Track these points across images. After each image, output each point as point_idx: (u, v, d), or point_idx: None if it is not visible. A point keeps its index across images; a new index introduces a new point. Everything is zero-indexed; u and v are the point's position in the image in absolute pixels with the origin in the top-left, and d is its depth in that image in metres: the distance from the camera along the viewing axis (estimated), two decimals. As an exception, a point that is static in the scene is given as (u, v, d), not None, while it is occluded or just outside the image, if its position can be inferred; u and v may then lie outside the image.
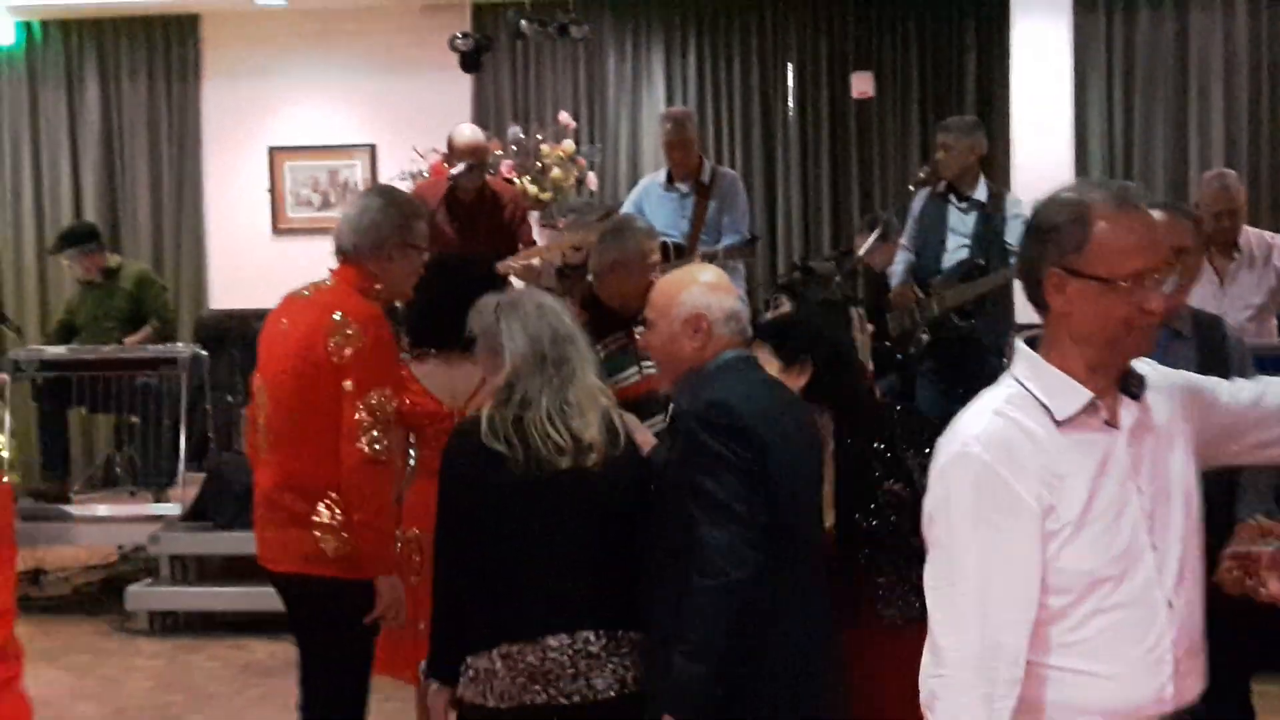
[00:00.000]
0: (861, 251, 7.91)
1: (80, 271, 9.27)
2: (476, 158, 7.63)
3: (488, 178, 8.00)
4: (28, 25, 11.58)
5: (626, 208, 8.15)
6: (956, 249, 7.50)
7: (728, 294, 3.77)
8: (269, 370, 4.50)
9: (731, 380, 3.67)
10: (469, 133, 7.75)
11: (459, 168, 7.55)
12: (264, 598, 7.80)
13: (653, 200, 7.93)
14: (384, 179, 11.15)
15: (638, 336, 4.02)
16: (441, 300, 4.73)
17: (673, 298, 3.76)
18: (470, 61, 9.27)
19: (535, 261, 7.69)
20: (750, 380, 3.74)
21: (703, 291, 3.74)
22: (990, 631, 2.42)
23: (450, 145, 7.75)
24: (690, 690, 3.40)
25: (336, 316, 4.30)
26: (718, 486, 3.48)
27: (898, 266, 7.69)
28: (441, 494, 3.77)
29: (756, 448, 3.52)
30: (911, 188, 7.84)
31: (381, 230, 4.46)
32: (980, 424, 2.49)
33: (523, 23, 8.91)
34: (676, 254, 7.52)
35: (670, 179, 7.90)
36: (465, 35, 9.41)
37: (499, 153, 9.88)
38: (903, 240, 7.76)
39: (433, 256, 4.78)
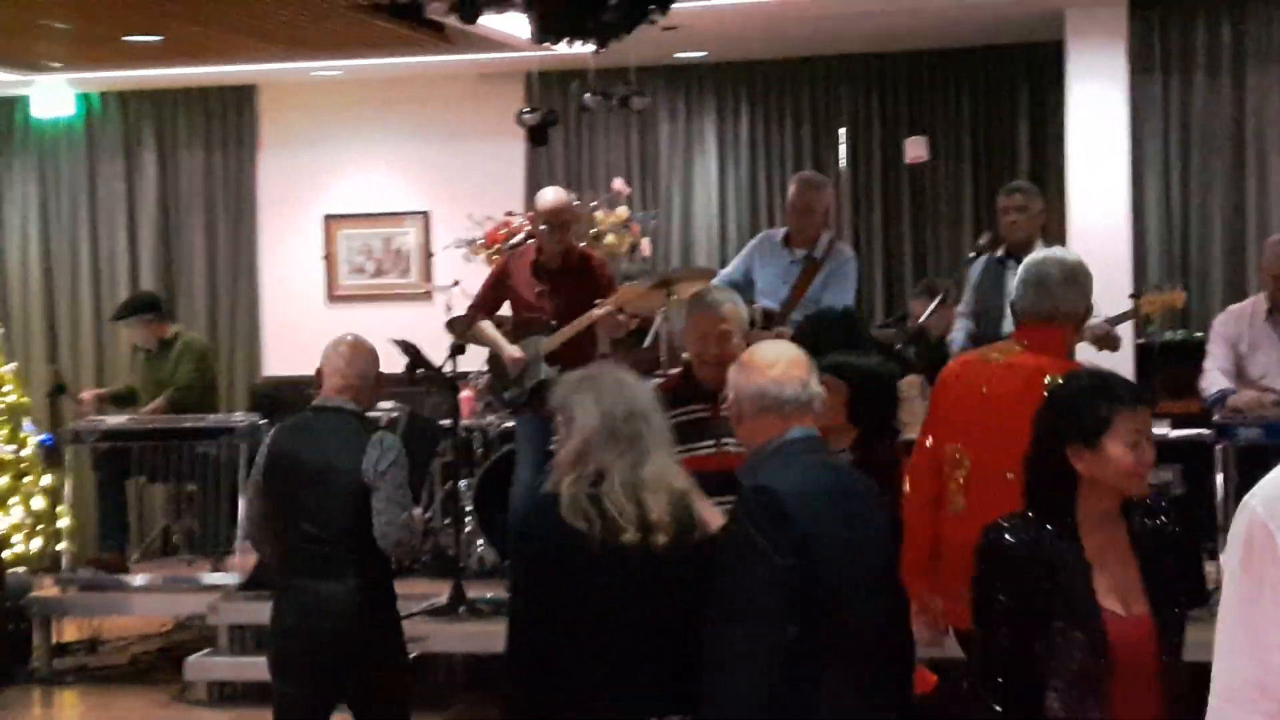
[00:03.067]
0: (921, 318, 7.88)
1: (140, 340, 9.41)
2: (556, 220, 7.68)
3: (581, 246, 8.07)
4: (86, 97, 11.72)
5: (739, 259, 8.02)
6: None
7: (793, 373, 3.68)
8: (970, 431, 4.58)
9: (785, 463, 3.56)
10: (550, 196, 7.83)
11: (541, 230, 7.65)
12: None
13: (765, 255, 7.76)
14: (437, 246, 11.26)
15: (723, 411, 3.97)
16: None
17: (745, 377, 3.71)
18: (538, 134, 9.29)
19: (623, 316, 7.68)
20: (806, 464, 3.59)
21: (769, 371, 3.67)
22: (1247, 666, 2.55)
23: (535, 209, 7.87)
24: None
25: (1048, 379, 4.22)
26: (749, 579, 3.38)
27: (957, 334, 7.64)
28: (519, 568, 3.76)
29: (796, 540, 3.39)
30: (971, 254, 7.81)
31: (1087, 298, 4.67)
32: (1272, 478, 2.61)
33: (586, 96, 8.93)
34: (765, 321, 7.50)
35: (788, 240, 7.72)
36: (533, 110, 9.40)
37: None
38: (960, 308, 7.72)
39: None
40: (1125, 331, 8.16)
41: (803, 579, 3.39)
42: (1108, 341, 7.23)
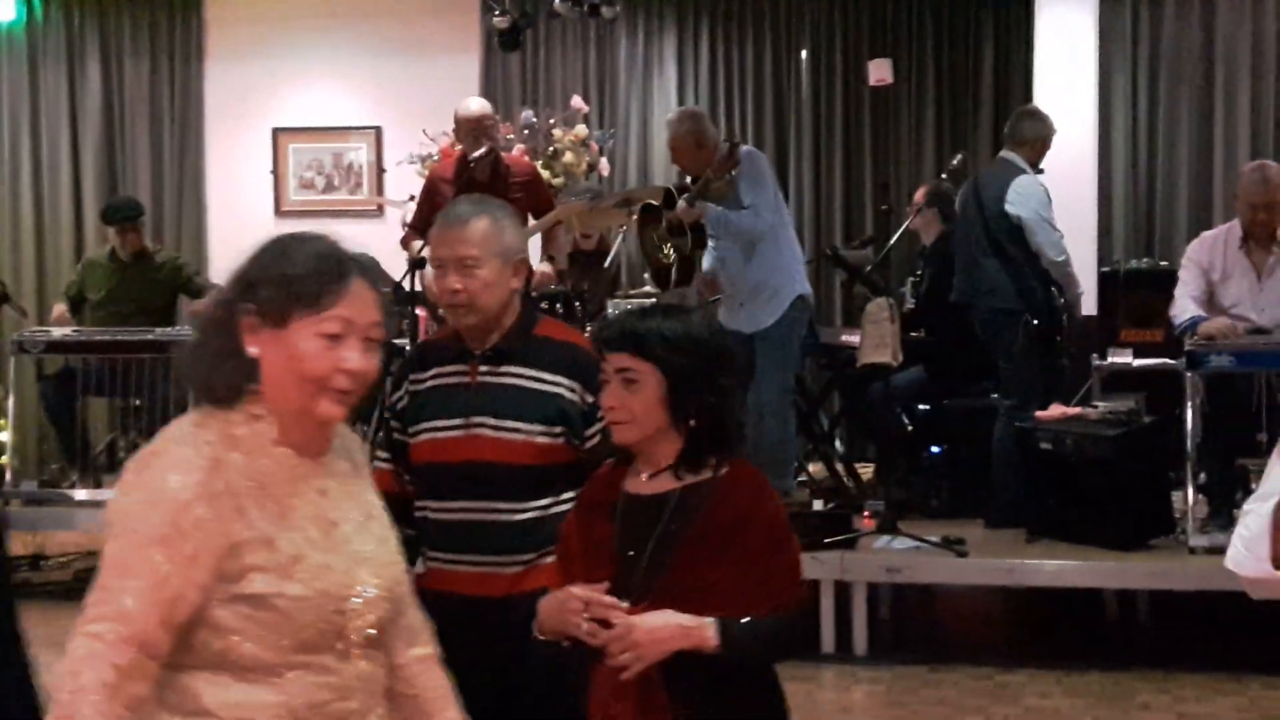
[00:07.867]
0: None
1: (125, 248, 8.98)
2: (480, 129, 7.48)
3: (506, 155, 7.86)
4: (29, 2, 11.37)
5: None
6: None
7: None
8: None
9: None
10: (475, 105, 7.67)
11: (479, 151, 7.42)
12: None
13: None
14: (389, 162, 11.03)
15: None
16: None
17: None
18: (508, 39, 9.06)
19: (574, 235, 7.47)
20: None
21: None
22: None
23: (455, 119, 7.66)
24: None
25: None
26: None
27: None
28: None
29: None
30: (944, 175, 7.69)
31: None
32: None
33: (556, 2, 8.70)
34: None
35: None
36: (503, 12, 9.15)
37: (510, 136, 9.73)
38: None
39: None
40: (1090, 259, 8.08)
41: None
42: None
